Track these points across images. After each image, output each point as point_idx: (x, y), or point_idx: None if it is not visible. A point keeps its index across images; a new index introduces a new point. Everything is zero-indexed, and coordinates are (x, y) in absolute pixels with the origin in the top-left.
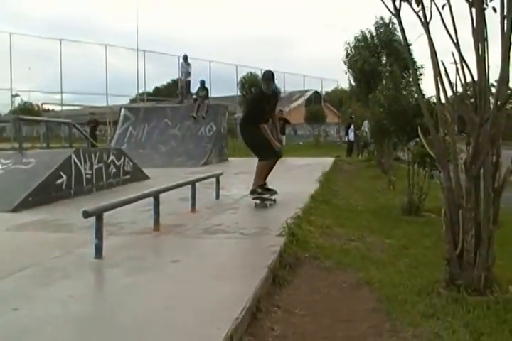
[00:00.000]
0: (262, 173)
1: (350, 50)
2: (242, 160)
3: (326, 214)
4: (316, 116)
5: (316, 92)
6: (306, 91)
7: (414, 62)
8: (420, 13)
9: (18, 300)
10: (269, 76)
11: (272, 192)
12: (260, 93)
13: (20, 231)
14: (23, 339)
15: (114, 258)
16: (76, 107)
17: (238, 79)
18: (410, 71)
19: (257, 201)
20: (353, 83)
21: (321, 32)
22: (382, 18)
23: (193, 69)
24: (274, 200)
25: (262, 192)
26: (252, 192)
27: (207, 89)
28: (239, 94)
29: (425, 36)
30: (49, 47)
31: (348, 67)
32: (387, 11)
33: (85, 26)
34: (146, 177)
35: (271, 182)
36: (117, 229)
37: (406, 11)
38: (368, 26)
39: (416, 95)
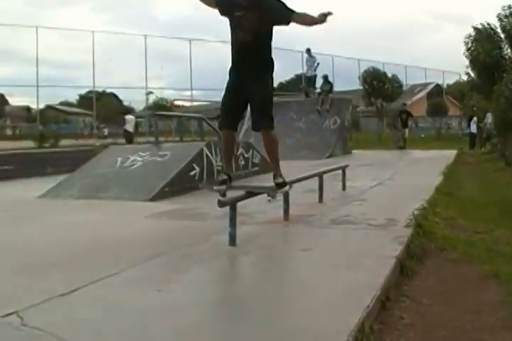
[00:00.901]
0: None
1: (471, 43)
2: (366, 153)
3: (451, 206)
4: (438, 108)
5: (438, 85)
6: (428, 84)
7: None
8: None
9: (161, 283)
10: None
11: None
12: None
13: (158, 219)
14: (169, 316)
15: (247, 246)
16: (204, 103)
17: (360, 73)
18: None
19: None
20: (473, 76)
21: (443, 23)
22: (510, 7)
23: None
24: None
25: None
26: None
27: (331, 84)
28: (361, 87)
29: None
30: (179, 46)
31: (470, 61)
32: None
33: (210, 25)
34: None
35: (395, 174)
36: (248, 219)
37: None
38: (491, 17)
39: None
